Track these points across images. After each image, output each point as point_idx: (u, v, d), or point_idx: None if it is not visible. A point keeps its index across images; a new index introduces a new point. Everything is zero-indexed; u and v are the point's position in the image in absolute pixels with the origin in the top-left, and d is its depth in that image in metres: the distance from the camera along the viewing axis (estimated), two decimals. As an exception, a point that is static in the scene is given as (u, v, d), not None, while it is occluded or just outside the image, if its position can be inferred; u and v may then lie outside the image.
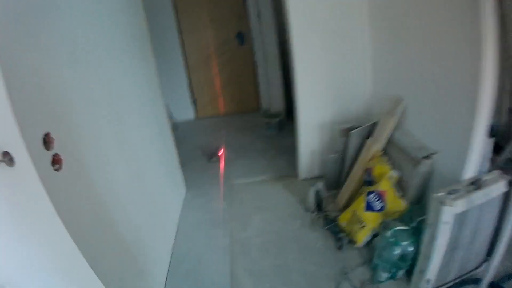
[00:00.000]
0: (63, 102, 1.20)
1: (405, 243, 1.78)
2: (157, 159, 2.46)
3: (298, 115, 2.88)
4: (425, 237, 1.70)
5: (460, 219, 1.64)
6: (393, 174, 2.18)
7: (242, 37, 4.83)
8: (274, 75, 4.41)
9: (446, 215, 1.58)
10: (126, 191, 1.68)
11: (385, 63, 2.55)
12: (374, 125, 2.53)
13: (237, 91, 5.21)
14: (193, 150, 4.18)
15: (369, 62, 2.71)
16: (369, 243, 2.15)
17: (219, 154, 3.77)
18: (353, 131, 2.52)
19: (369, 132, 2.55)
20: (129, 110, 1.94)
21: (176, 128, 4.88)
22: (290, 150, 3.76)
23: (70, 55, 1.29)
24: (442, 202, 1.57)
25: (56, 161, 1.04)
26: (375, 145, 2.39)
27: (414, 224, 1.87)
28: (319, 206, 2.56)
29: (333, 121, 2.88)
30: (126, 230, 1.62)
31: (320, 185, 2.53)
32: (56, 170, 1.04)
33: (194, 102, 5.19)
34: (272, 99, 4.60)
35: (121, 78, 1.89)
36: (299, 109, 2.84)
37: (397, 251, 1.78)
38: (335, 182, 2.89)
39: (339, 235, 2.24)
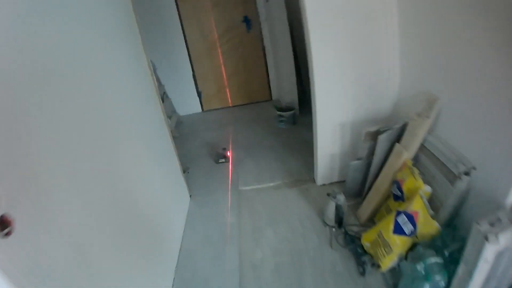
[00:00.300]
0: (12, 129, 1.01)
1: (437, 277, 1.61)
2: (154, 170, 2.31)
3: (315, 113, 2.65)
4: (460, 272, 1.52)
5: (501, 253, 1.46)
6: (426, 189, 1.99)
7: (248, 22, 4.57)
8: (285, 63, 4.17)
9: (488, 252, 1.40)
10: (113, 222, 1.55)
11: (416, 53, 2.25)
12: (403, 127, 2.31)
13: (245, 81, 5.00)
14: (199, 148, 4.04)
15: (397, 50, 2.43)
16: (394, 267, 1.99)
17: (227, 154, 3.62)
18: (381, 135, 2.30)
19: (398, 135, 2.34)
20: (114, 119, 1.77)
21: (181, 123, 4.76)
22: (305, 147, 3.57)
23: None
24: (485, 238, 1.39)
25: (4, 223, 0.88)
26: (405, 153, 2.18)
27: (447, 253, 1.69)
28: (339, 221, 2.40)
29: (356, 120, 2.65)
30: (118, 270, 1.50)
31: (341, 198, 2.36)
32: (6, 234, 0.88)
33: (199, 94, 5.02)
34: (284, 90, 4.38)
35: (104, 83, 1.73)
36: (316, 106, 2.59)
37: (427, 287, 1.62)
38: (357, 190, 2.71)
39: (361, 258, 2.08)
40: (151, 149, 2.33)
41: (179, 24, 4.53)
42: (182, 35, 4.58)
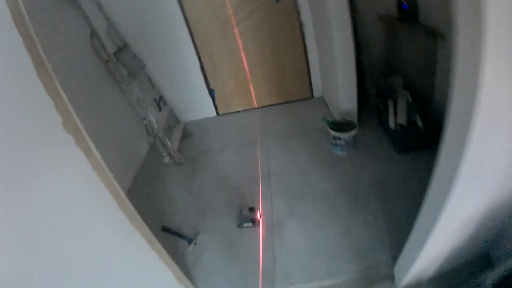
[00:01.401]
0: None
1: None
2: None
3: (445, 199, 1.30)
4: None
5: None
6: None
7: (279, -12, 3.11)
8: (339, 52, 2.74)
9: None
10: None
11: None
12: None
13: (275, 73, 3.63)
14: (214, 188, 2.85)
15: None
16: None
17: (256, 217, 2.39)
18: None
19: None
20: None
21: (189, 137, 3.53)
22: (377, 198, 2.34)
23: None
24: None
25: None
26: None
27: None
28: None
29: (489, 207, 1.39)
30: None
31: None
32: None
33: (212, 92, 3.71)
34: (335, 91, 3.00)
35: None
36: (456, 187, 1.24)
37: None
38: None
39: None
40: None
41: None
42: (180, 10, 3.18)
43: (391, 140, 2.79)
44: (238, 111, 3.88)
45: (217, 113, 3.89)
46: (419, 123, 2.63)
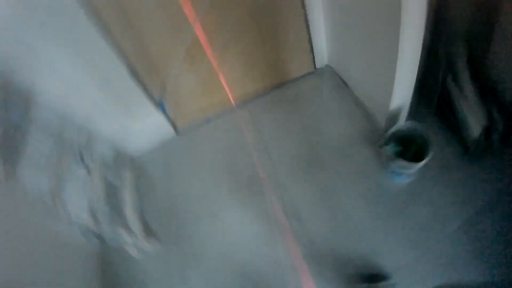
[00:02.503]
0: None
1: None
2: None
3: None
4: None
5: None
6: None
7: None
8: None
9: None
10: None
11: None
12: None
13: (257, 44, 2.27)
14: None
15: None
16: None
17: None
18: None
19: None
20: None
21: (147, 187, 2.29)
22: (475, 260, 1.52)
23: None
24: None
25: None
26: None
27: None
28: None
29: None
30: None
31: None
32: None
33: (161, 105, 2.30)
34: (381, 76, 1.86)
35: None
36: None
37: None
38: None
39: None
40: None
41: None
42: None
43: (468, 150, 1.83)
44: (208, 121, 2.55)
45: (176, 131, 2.53)
46: (496, 116, 1.71)
